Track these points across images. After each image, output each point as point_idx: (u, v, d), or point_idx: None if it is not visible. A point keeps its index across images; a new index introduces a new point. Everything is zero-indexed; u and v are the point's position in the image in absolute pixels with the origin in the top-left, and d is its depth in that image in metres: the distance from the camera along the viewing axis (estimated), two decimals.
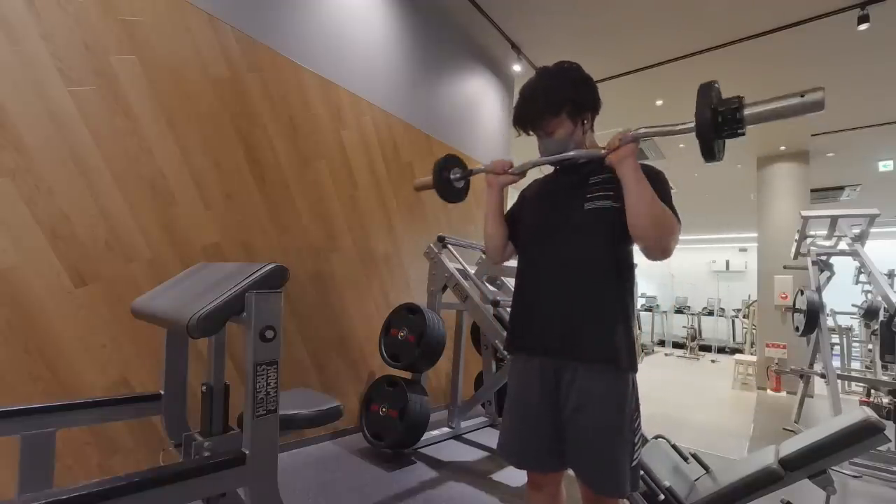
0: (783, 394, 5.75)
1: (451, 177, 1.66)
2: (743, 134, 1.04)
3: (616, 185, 1.18)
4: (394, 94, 3.36)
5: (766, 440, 3.12)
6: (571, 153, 1.25)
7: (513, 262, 1.44)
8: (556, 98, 1.23)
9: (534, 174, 1.42)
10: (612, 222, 1.17)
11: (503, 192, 1.42)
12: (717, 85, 1.08)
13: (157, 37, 2.06)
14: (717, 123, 1.04)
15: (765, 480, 1.62)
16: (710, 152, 1.08)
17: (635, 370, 1.20)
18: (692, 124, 1.08)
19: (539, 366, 1.22)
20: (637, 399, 1.20)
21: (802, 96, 0.99)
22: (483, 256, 3.30)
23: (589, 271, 1.20)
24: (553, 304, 1.22)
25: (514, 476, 2.44)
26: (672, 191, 1.19)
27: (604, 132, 1.31)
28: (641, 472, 1.51)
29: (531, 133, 1.30)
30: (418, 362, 2.71)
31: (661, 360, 9.67)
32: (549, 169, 1.40)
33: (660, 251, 1.13)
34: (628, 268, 1.23)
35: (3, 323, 1.63)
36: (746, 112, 1.02)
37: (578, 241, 1.21)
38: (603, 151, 1.20)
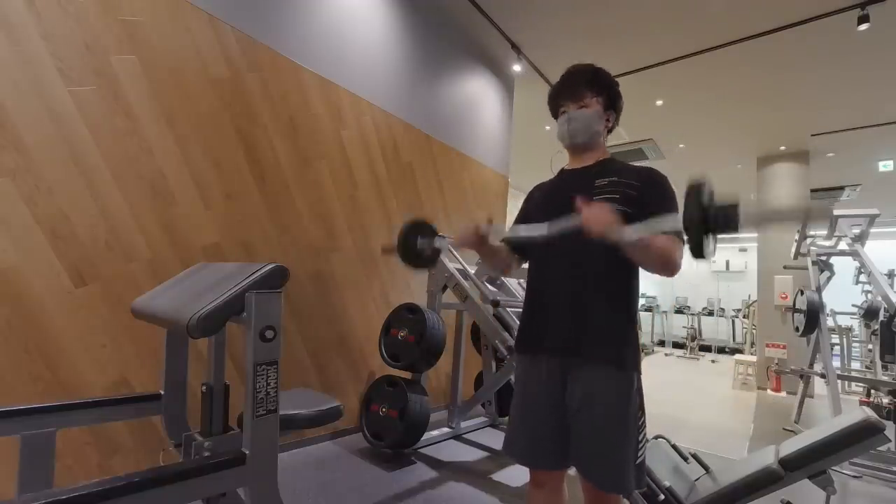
0: (783, 394, 5.74)
1: (420, 244, 1.53)
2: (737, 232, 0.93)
3: (622, 188, 1.20)
4: (394, 94, 3.36)
5: (766, 440, 3.12)
6: (544, 231, 1.17)
7: None
8: (600, 81, 1.32)
9: (539, 175, 1.42)
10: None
11: (481, 238, 1.31)
12: (709, 188, 0.96)
13: (157, 37, 2.06)
14: (709, 227, 0.93)
15: (765, 480, 1.62)
16: (701, 252, 0.95)
17: (639, 370, 1.22)
18: (680, 227, 0.98)
19: (545, 366, 1.24)
20: (641, 398, 1.22)
21: (800, 211, 0.98)
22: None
23: (594, 272, 1.22)
24: (559, 305, 1.25)
25: (514, 476, 2.44)
26: (675, 191, 1.20)
27: (607, 133, 1.32)
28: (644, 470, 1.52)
29: (563, 108, 1.33)
30: (418, 362, 2.71)
31: (662, 360, 9.67)
32: (556, 168, 1.41)
33: (668, 275, 1.16)
34: (633, 268, 1.24)
35: (3, 323, 1.63)
36: (742, 219, 0.91)
37: (584, 242, 1.21)
38: (581, 223, 1.08)
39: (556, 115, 1.37)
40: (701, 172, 1.00)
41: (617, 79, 1.36)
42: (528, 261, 1.42)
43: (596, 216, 1.05)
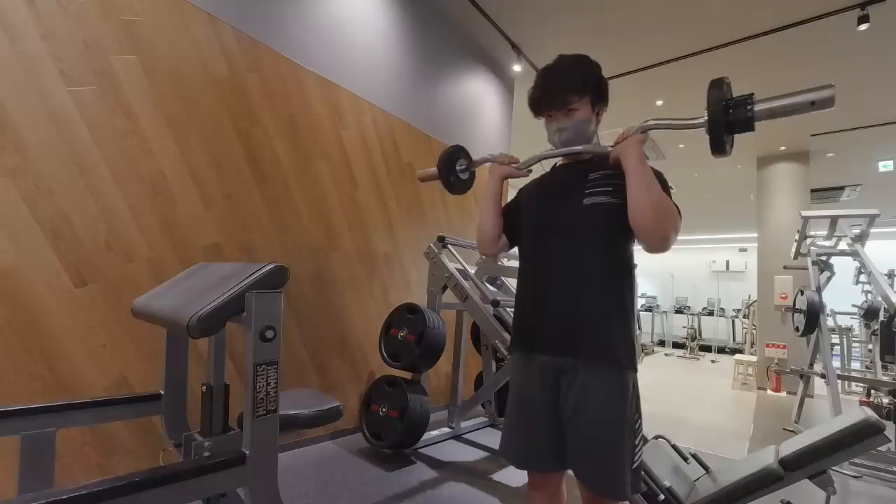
0: (783, 394, 5.75)
1: (457, 168, 1.64)
2: (753, 129, 1.07)
3: (616, 181, 1.18)
4: (394, 93, 3.36)
5: (766, 440, 3.12)
6: (579, 147, 1.25)
7: (515, 262, 1.44)
8: (583, 78, 1.25)
9: (536, 171, 1.42)
10: (611, 218, 1.17)
11: (503, 184, 1.42)
12: (727, 81, 1.09)
13: (157, 37, 2.06)
14: (729, 119, 1.06)
15: (765, 480, 1.62)
16: (721, 146, 1.10)
17: (635, 369, 1.19)
18: (703, 119, 1.10)
19: (539, 365, 1.21)
20: (638, 399, 1.19)
21: (812, 93, 1.01)
22: (484, 257, 3.30)
23: (588, 269, 1.19)
24: (552, 302, 1.22)
25: (514, 476, 2.44)
26: (672, 191, 1.19)
27: (604, 132, 1.31)
28: (642, 473, 1.50)
29: (550, 114, 1.27)
30: (418, 362, 2.71)
31: (661, 360, 9.67)
32: (548, 165, 1.40)
33: (660, 241, 1.11)
34: (628, 266, 1.23)
35: (3, 323, 1.63)
36: (757, 108, 1.04)
37: (577, 238, 1.21)
38: (609, 148, 1.20)
39: (538, 115, 1.32)
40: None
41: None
42: (514, 246, 1.40)
43: (628, 140, 1.15)
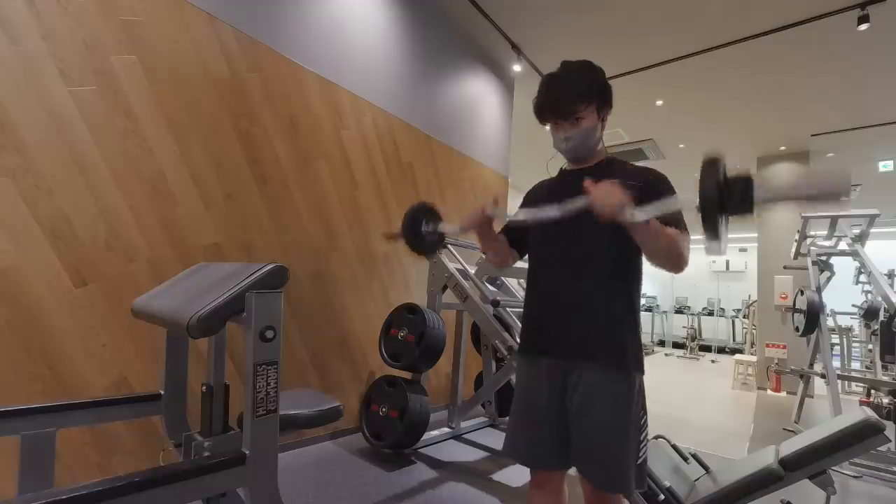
0: (783, 394, 5.74)
1: (424, 230, 1.50)
2: (751, 213, 0.91)
3: (624, 185, 1.18)
4: (394, 94, 3.36)
5: (766, 440, 3.12)
6: (554, 212, 1.14)
7: (516, 263, 1.44)
8: (589, 86, 1.23)
9: (539, 175, 1.42)
10: (618, 224, 1.17)
11: (484, 228, 1.32)
12: (722, 163, 0.95)
13: (157, 37, 2.06)
14: (723, 206, 0.91)
15: (765, 480, 1.62)
16: (715, 235, 0.93)
17: (643, 371, 1.20)
18: (695, 204, 0.95)
19: (546, 367, 1.23)
20: (643, 399, 1.21)
21: (832, 192, 0.85)
22: (483, 256, 3.30)
23: (596, 272, 1.20)
24: (560, 305, 1.23)
25: (514, 476, 2.44)
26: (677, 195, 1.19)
27: (604, 132, 1.31)
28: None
29: (556, 120, 1.25)
30: (418, 362, 2.71)
31: (662, 360, 9.67)
32: (554, 169, 1.40)
33: (676, 272, 1.15)
34: (635, 268, 1.24)
35: (3, 323, 1.63)
36: (757, 195, 0.88)
37: (585, 241, 1.22)
38: (588, 203, 1.06)
39: (543, 123, 1.30)
40: (714, 150, 0.96)
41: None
42: (525, 256, 1.40)
43: (606, 193, 1.00)
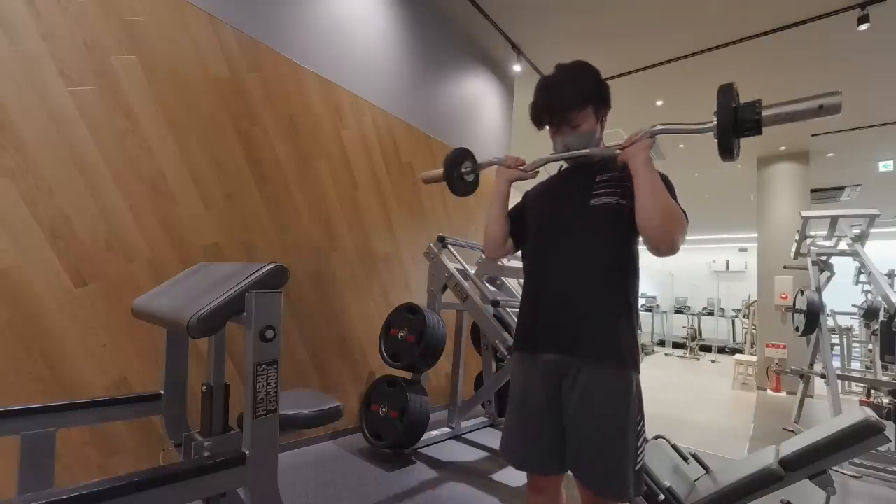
0: (783, 394, 5.75)
1: (463, 170, 1.64)
2: (760, 133, 1.09)
3: (623, 182, 1.18)
4: (394, 94, 3.36)
5: (766, 440, 3.12)
6: (586, 150, 1.24)
7: (515, 263, 1.43)
8: (585, 90, 1.23)
9: (541, 175, 1.42)
10: (618, 219, 1.17)
11: (510, 186, 1.40)
12: (735, 86, 1.11)
13: (157, 37, 2.06)
14: (737, 123, 1.08)
15: (765, 480, 1.62)
16: (729, 150, 1.12)
17: (638, 370, 1.18)
18: (711, 123, 1.11)
19: (542, 365, 1.21)
20: (640, 400, 1.18)
21: (820, 98, 1.02)
22: (483, 256, 3.30)
23: (593, 269, 1.19)
24: (556, 302, 1.22)
25: (514, 476, 2.44)
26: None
27: (604, 132, 1.31)
28: (644, 475, 1.50)
29: (554, 127, 1.26)
30: (418, 362, 2.71)
31: (661, 360, 9.67)
32: (554, 168, 1.40)
33: (667, 244, 1.09)
34: (633, 266, 1.23)
35: (3, 323, 1.63)
36: (765, 112, 1.06)
37: (583, 238, 1.21)
38: (617, 150, 1.20)
39: (540, 125, 1.30)
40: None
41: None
42: (519, 249, 1.40)
43: (636, 145, 1.14)
